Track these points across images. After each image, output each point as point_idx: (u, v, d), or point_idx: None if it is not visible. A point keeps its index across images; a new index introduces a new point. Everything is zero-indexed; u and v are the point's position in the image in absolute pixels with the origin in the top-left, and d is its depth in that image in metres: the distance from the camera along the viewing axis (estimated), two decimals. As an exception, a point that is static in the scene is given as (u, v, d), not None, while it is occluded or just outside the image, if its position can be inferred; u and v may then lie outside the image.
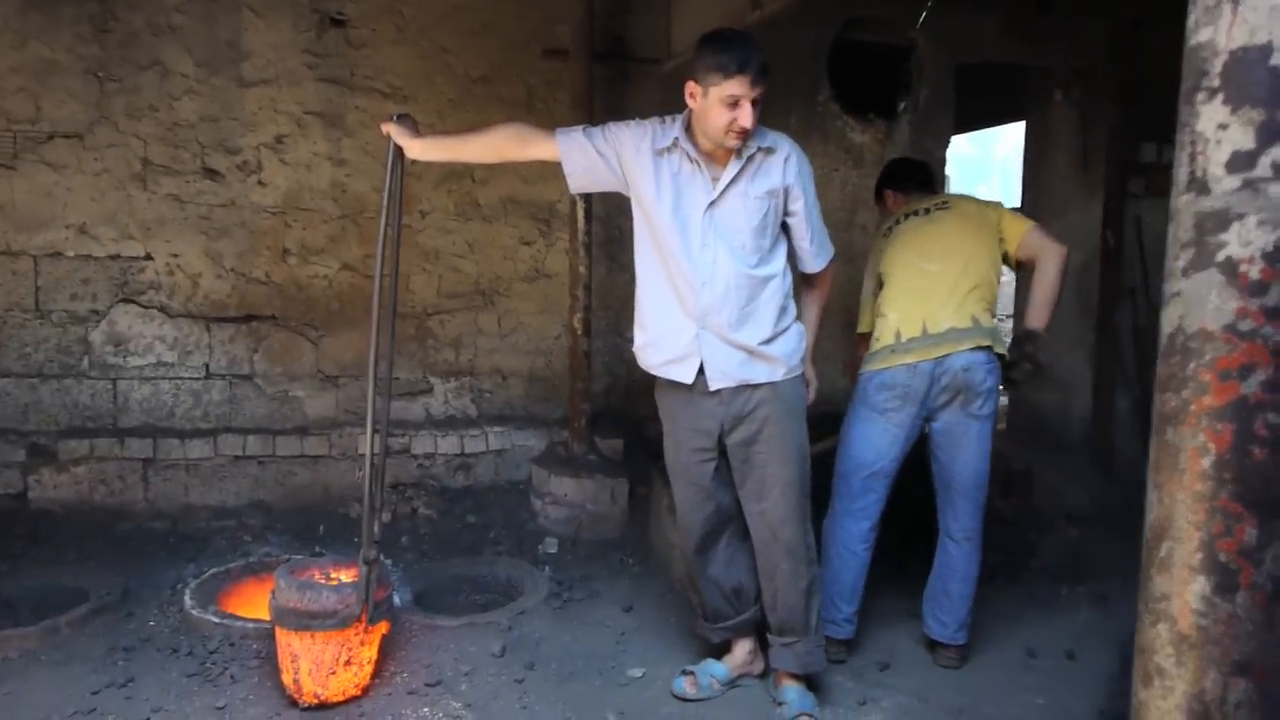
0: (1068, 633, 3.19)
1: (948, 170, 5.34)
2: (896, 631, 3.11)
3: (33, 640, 2.82)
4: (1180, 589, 1.15)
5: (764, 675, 2.76)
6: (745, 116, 2.29)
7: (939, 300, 2.78)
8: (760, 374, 2.47)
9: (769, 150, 2.44)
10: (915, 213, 3.00)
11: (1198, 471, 1.14)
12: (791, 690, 2.59)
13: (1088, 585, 3.61)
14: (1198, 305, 1.14)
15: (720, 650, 2.79)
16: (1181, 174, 1.14)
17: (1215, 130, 1.11)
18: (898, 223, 3.03)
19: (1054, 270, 2.80)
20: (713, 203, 2.41)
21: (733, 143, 2.34)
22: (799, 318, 2.59)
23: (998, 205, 3.02)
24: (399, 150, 2.52)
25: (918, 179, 3.26)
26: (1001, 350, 2.80)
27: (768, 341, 2.46)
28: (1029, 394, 5.38)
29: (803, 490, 2.54)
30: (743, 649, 2.76)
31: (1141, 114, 4.82)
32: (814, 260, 2.61)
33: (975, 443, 2.81)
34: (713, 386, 2.46)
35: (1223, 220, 1.11)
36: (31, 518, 3.76)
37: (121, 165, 3.95)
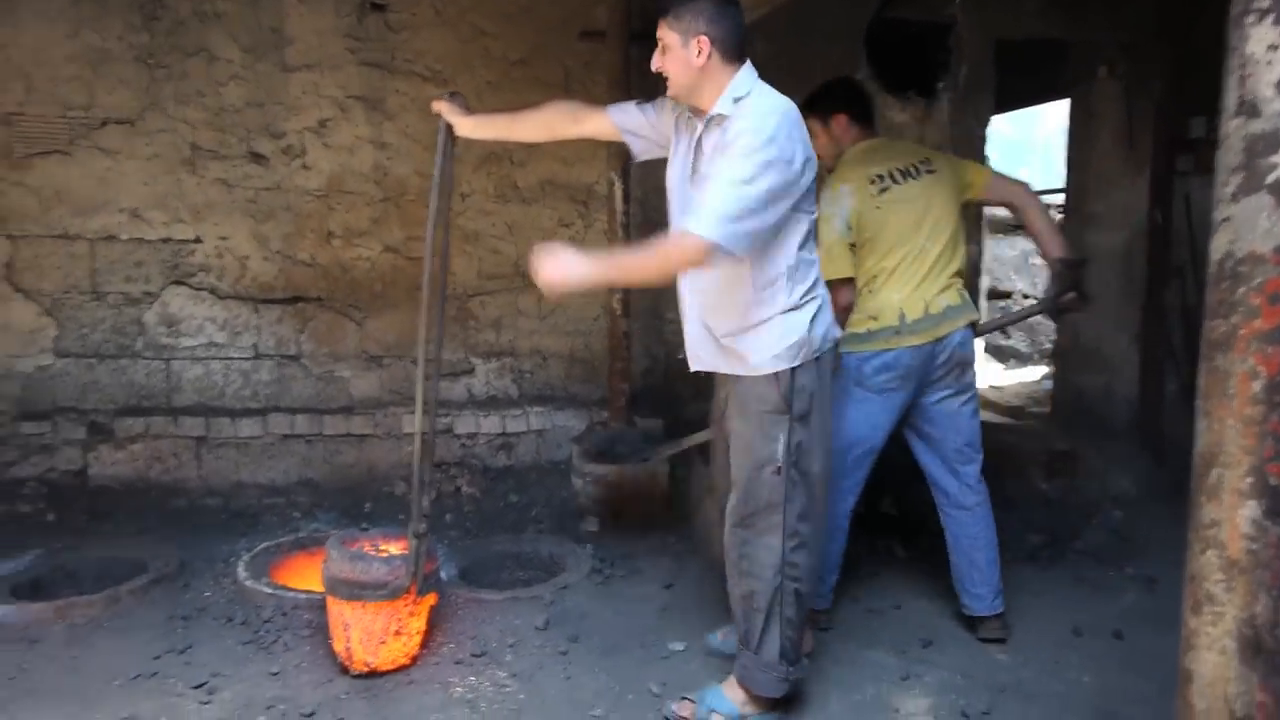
0: (1114, 614, 3.15)
1: (988, 151, 5.26)
2: (938, 607, 3.11)
3: (96, 608, 2.93)
4: (1230, 514, 1.15)
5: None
6: (654, 59, 2.20)
7: (935, 279, 2.80)
8: (726, 366, 2.34)
9: (721, 118, 2.15)
10: (906, 173, 2.84)
11: (1248, 396, 1.13)
12: (715, 691, 2.44)
13: (1135, 568, 3.57)
14: (1247, 229, 1.13)
15: None
16: (1231, 98, 1.14)
17: (1265, 52, 1.10)
18: (894, 180, 2.81)
19: (1035, 202, 2.93)
20: (688, 175, 2.28)
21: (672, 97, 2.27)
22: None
23: (957, 159, 3.08)
24: (449, 128, 2.55)
25: (870, 109, 3.02)
26: (977, 321, 2.89)
27: (734, 335, 2.27)
28: (1074, 376, 5.33)
29: (746, 497, 2.30)
30: None
31: (1190, 89, 4.71)
32: (675, 221, 2.30)
33: (969, 410, 2.88)
34: (691, 368, 2.46)
35: (1273, 142, 1.10)
36: (91, 493, 3.89)
37: (171, 150, 4.05)
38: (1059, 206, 7.61)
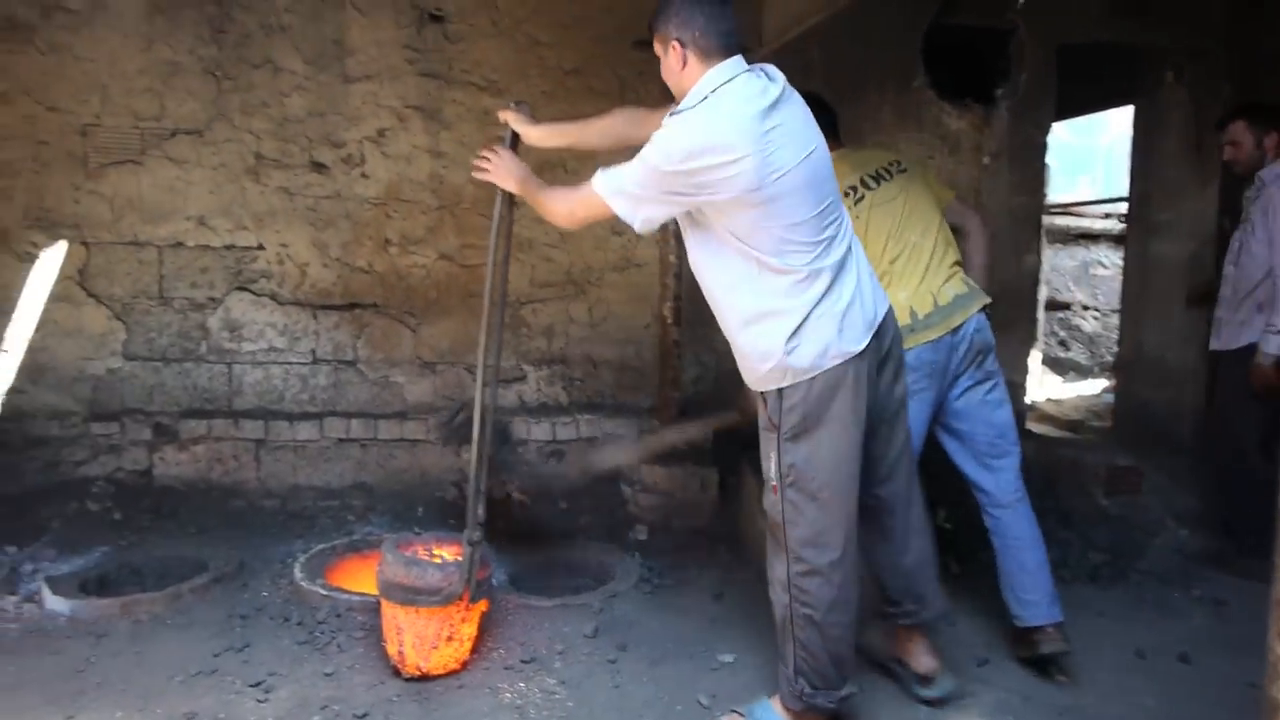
0: (1180, 636, 3.05)
1: (1049, 159, 5.15)
2: (995, 625, 3.03)
3: (159, 605, 3.02)
4: None
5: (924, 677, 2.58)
6: None
7: (936, 271, 2.78)
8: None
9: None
10: (878, 176, 2.85)
11: None
12: (764, 704, 2.40)
13: (1201, 589, 3.45)
14: None
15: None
16: None
17: None
18: (867, 188, 2.82)
19: (982, 239, 2.99)
20: None
21: None
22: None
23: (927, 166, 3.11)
24: (515, 136, 2.58)
25: (833, 121, 2.92)
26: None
27: (733, 346, 2.28)
28: (1137, 390, 5.18)
29: (772, 516, 2.26)
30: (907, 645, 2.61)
31: (1261, 94, 4.55)
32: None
33: (996, 398, 2.81)
34: None
35: None
36: (156, 493, 4.00)
37: (236, 160, 4.16)
38: (1121, 215, 7.42)
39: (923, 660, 2.53)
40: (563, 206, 2.35)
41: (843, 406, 2.14)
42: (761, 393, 2.23)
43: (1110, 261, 8.86)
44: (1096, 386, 7.33)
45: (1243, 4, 4.59)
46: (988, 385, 2.80)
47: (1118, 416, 5.49)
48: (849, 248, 2.22)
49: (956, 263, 2.84)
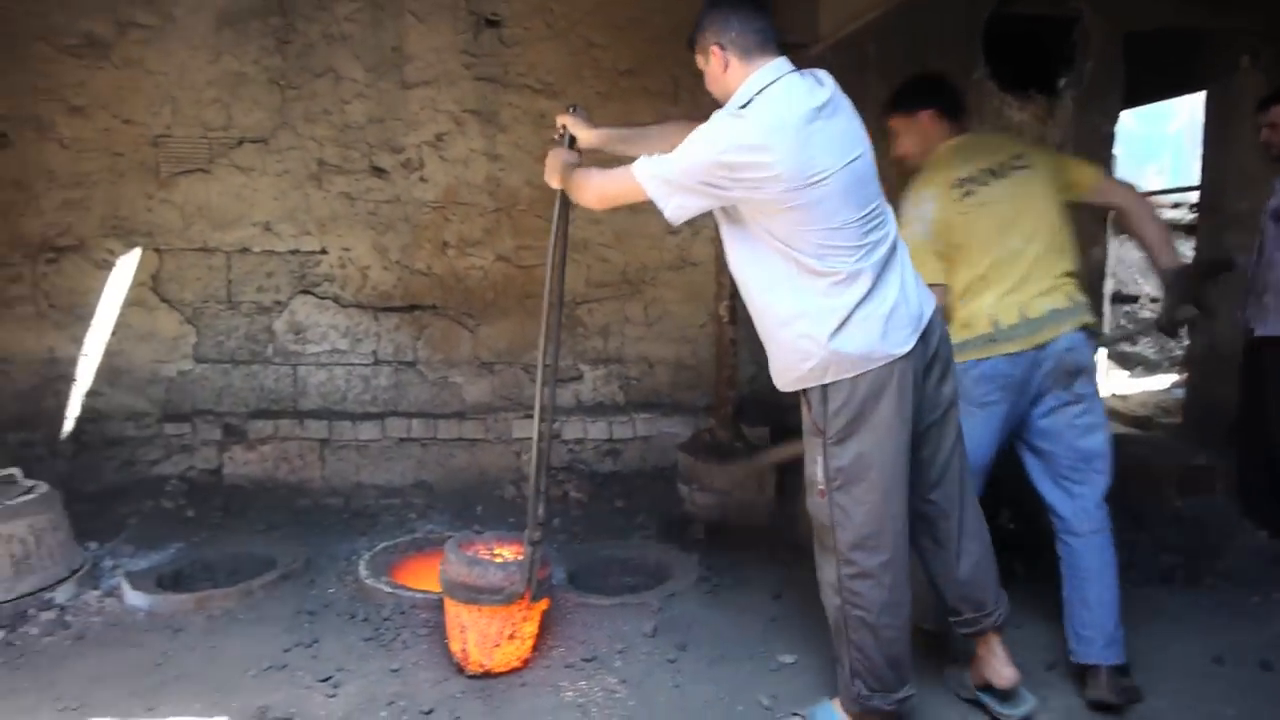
0: (1261, 642, 2.93)
1: (1116, 149, 5.01)
2: (1061, 629, 2.95)
3: (232, 600, 3.11)
4: None
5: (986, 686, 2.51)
6: None
7: (1034, 281, 2.59)
8: None
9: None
10: (994, 172, 2.66)
11: None
12: (825, 707, 2.40)
13: (1282, 593, 3.33)
14: None
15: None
16: None
17: None
18: (970, 182, 2.66)
19: (1144, 209, 2.73)
20: None
21: None
22: None
23: (1061, 153, 2.86)
24: (573, 139, 2.60)
25: (960, 103, 2.82)
26: (1096, 325, 2.67)
27: (767, 349, 2.29)
28: (1208, 385, 5.01)
29: (819, 519, 2.26)
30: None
31: (1344, 78, 4.37)
32: None
33: (1086, 423, 2.61)
34: None
35: None
36: (225, 491, 4.14)
37: (300, 166, 4.27)
38: (1191, 205, 7.18)
39: (1002, 673, 2.43)
40: (594, 185, 2.37)
41: (888, 408, 2.13)
42: (805, 395, 2.22)
43: (1179, 253, 8.57)
44: (1165, 381, 7.10)
45: (1323, -16, 4.40)
46: (1078, 408, 2.60)
47: (1188, 412, 5.32)
48: (893, 247, 2.19)
49: (1069, 274, 2.63)
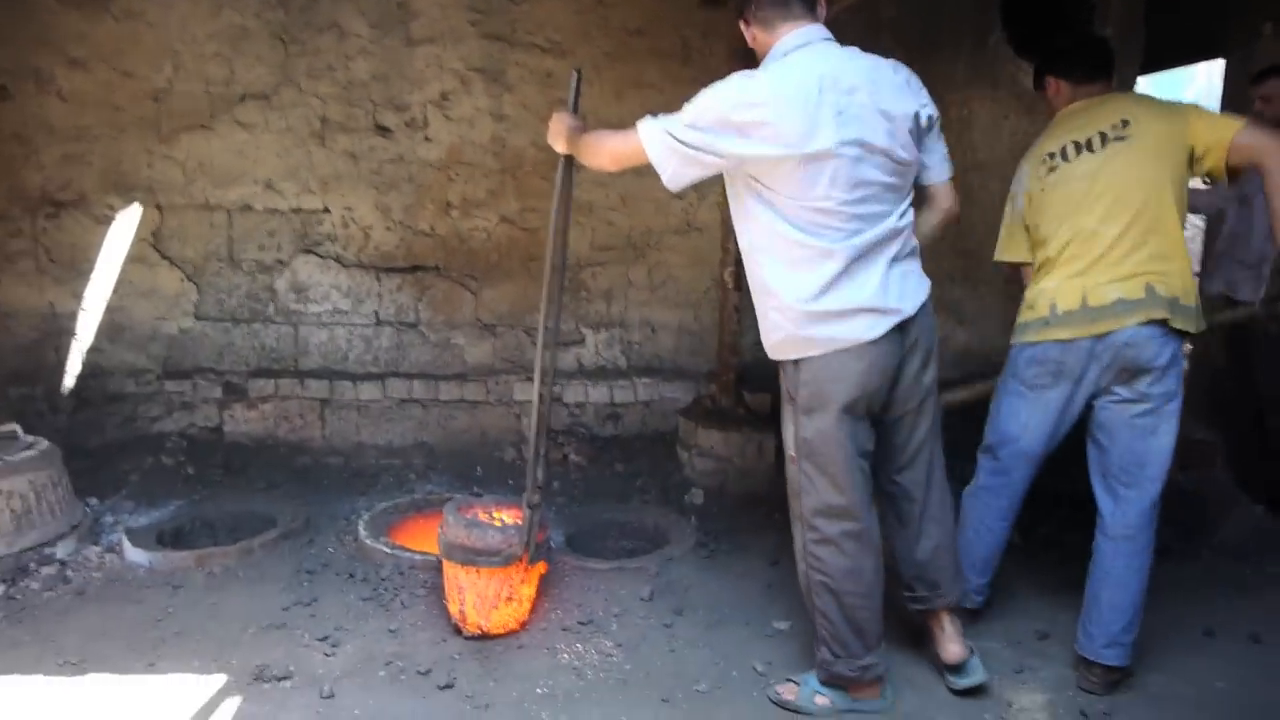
0: (1253, 615, 2.95)
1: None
2: (1056, 600, 2.97)
3: (232, 558, 3.14)
4: None
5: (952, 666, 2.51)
6: None
7: (1106, 266, 2.42)
8: None
9: None
10: (1087, 144, 2.50)
11: None
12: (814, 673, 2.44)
13: (1276, 567, 3.34)
14: None
15: None
16: None
17: None
18: (1060, 155, 2.55)
19: None
20: None
21: None
22: None
23: (1190, 110, 2.46)
24: (577, 99, 2.57)
25: (1091, 62, 2.64)
26: (1183, 322, 2.39)
27: (757, 313, 2.37)
28: (1210, 356, 4.98)
29: (790, 485, 2.36)
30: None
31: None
32: None
33: (1146, 425, 2.45)
34: None
35: None
36: (226, 449, 4.15)
37: (303, 124, 4.21)
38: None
39: (949, 649, 2.47)
40: (608, 147, 2.38)
41: (851, 389, 2.18)
42: (781, 362, 2.30)
43: (1193, 223, 8.47)
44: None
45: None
46: (1140, 407, 2.45)
47: (1190, 384, 5.29)
48: (884, 236, 2.18)
49: (1158, 261, 2.40)
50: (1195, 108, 2.50)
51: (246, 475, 3.98)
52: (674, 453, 4.28)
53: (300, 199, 4.26)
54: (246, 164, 4.20)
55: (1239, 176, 2.55)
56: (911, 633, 2.64)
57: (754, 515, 3.75)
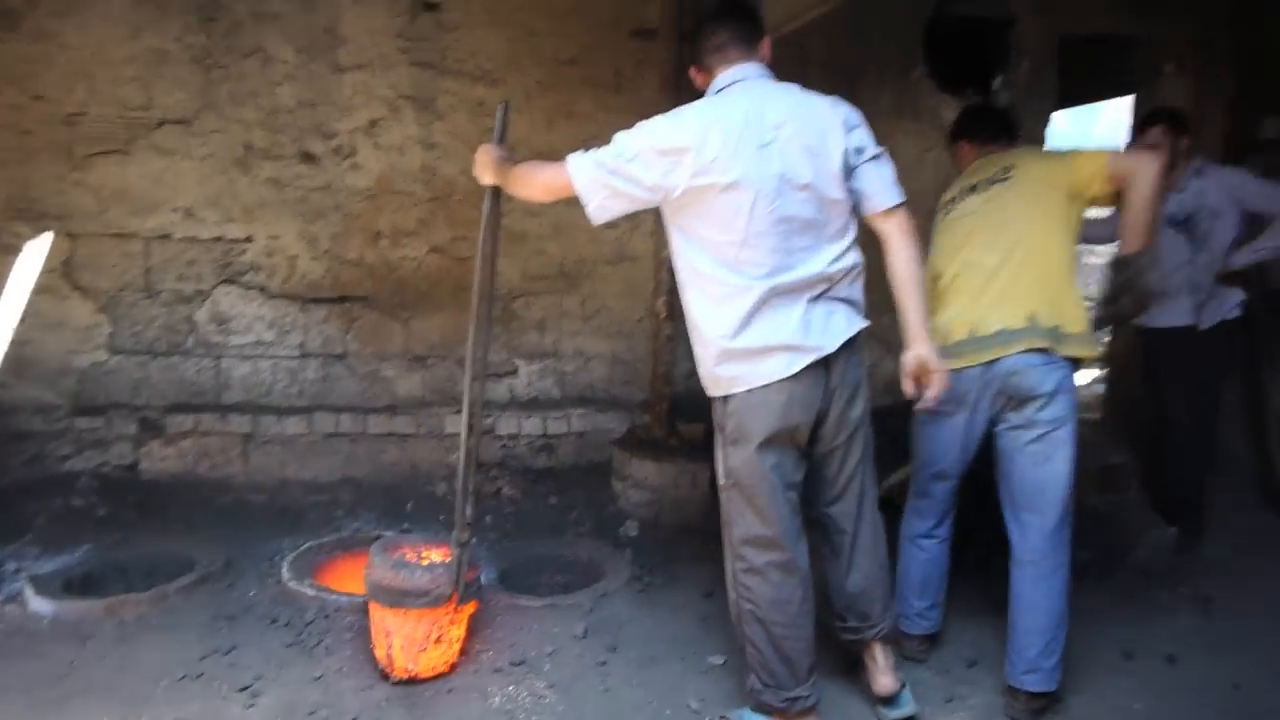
0: (1167, 636, 3.05)
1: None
2: (986, 627, 3.03)
3: (145, 606, 2.99)
4: None
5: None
6: None
7: (991, 298, 2.55)
8: None
9: None
10: (974, 188, 2.73)
11: None
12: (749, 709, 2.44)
13: (1188, 587, 3.46)
14: None
15: None
16: None
17: None
18: (953, 200, 2.78)
19: (1145, 185, 2.45)
20: None
21: None
22: None
23: (1072, 152, 2.65)
24: (504, 130, 2.58)
25: (991, 125, 2.93)
26: (1067, 349, 2.50)
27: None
28: (1128, 381, 5.17)
29: (722, 514, 2.37)
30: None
31: (1262, 88, 4.53)
32: None
33: (1039, 452, 2.53)
34: None
35: None
36: (142, 488, 3.98)
37: (225, 150, 4.10)
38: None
39: (880, 680, 2.49)
40: (540, 178, 2.39)
41: (774, 422, 2.20)
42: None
43: (1103, 251, 8.80)
44: (1088, 376, 7.31)
45: (1243, -4, 4.55)
46: (1032, 434, 2.53)
47: (1107, 409, 5.49)
48: (810, 279, 2.19)
49: (1035, 291, 2.53)
50: (1077, 149, 2.71)
51: (164, 516, 3.81)
52: (608, 484, 4.25)
53: (222, 227, 4.14)
54: (165, 191, 4.07)
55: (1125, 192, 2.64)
56: (848, 663, 2.66)
57: (689, 546, 3.74)
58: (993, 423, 2.63)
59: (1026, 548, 2.57)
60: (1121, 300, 2.63)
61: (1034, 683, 2.52)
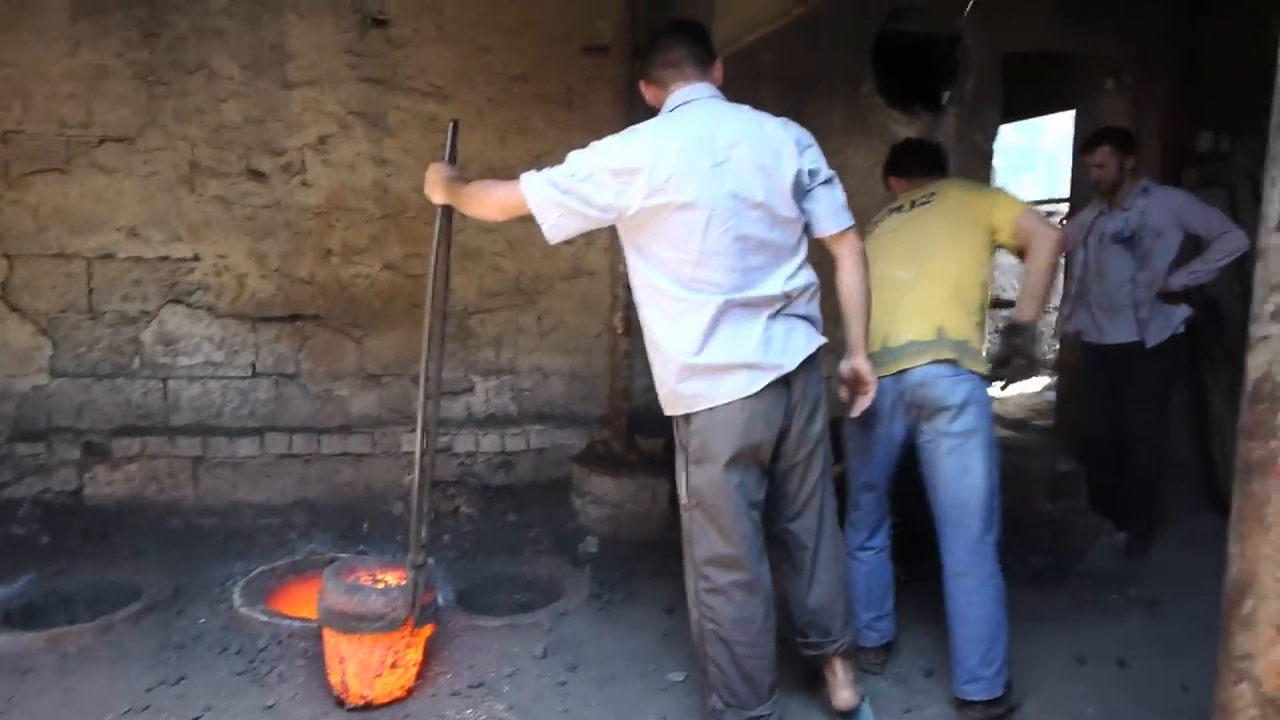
0: (1118, 640, 3.12)
1: (995, 162, 5.24)
2: (941, 637, 3.03)
3: (89, 637, 2.89)
4: (1266, 649, 1.09)
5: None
6: None
7: (904, 311, 2.63)
8: None
9: None
10: (899, 208, 2.84)
11: None
12: None
13: (1138, 591, 3.54)
14: None
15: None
16: (1271, 211, 1.07)
17: None
18: (878, 221, 2.89)
19: (1044, 259, 2.57)
20: None
21: None
22: None
23: (992, 192, 2.81)
24: (454, 147, 2.57)
25: (921, 162, 3.00)
26: (973, 364, 2.59)
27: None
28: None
29: (684, 533, 2.35)
30: None
31: (1197, 103, 4.68)
32: None
33: (955, 463, 2.57)
34: None
35: None
36: (86, 514, 3.86)
37: (170, 168, 4.02)
38: (1064, 217, 7.58)
39: (840, 695, 2.51)
40: (494, 197, 2.37)
41: (736, 441, 2.20)
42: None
43: (1039, 313, 8.97)
44: (1039, 385, 7.46)
45: (1182, 12, 4.70)
46: (947, 445, 2.58)
47: (1058, 417, 5.60)
48: (767, 297, 2.20)
49: (948, 307, 2.62)
50: (1000, 190, 2.87)
51: (109, 542, 3.71)
52: (568, 500, 4.23)
53: (168, 246, 4.05)
54: (107, 210, 3.97)
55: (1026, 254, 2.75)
56: (808, 677, 2.66)
57: (648, 562, 3.74)
58: (912, 434, 2.69)
59: (955, 559, 2.62)
60: (1013, 362, 2.76)
61: (977, 691, 2.56)
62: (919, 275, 2.67)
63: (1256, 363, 1.11)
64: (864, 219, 2.52)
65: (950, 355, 2.58)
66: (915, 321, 2.62)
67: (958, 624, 2.62)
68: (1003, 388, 3.08)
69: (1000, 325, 2.91)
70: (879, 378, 2.54)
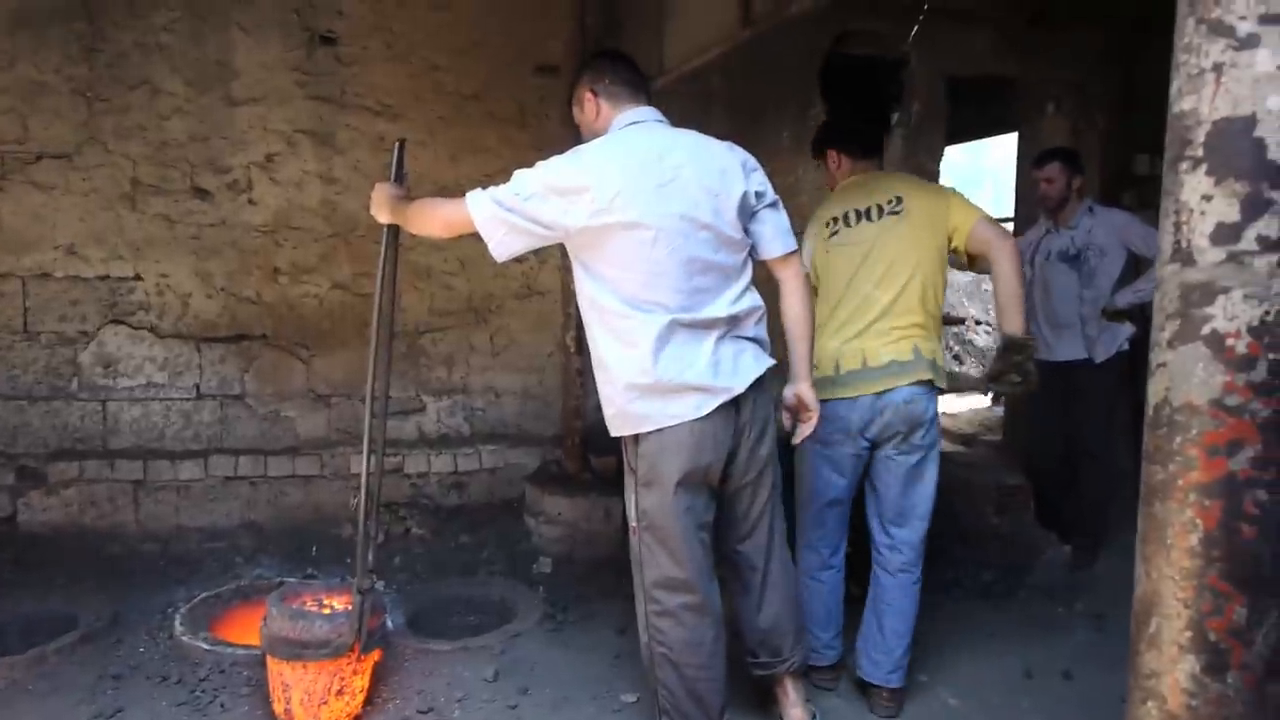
0: (1065, 653, 3.16)
1: (942, 181, 5.35)
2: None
3: (19, 670, 2.79)
4: (1169, 667, 1.12)
5: None
6: None
7: (882, 328, 2.65)
8: None
9: None
10: (865, 214, 2.73)
11: (1185, 548, 1.11)
12: None
13: (1083, 604, 3.60)
14: (1183, 378, 1.11)
15: None
16: (1166, 243, 1.11)
17: (1199, 201, 1.08)
18: (841, 221, 2.77)
19: (1010, 267, 2.60)
20: None
21: None
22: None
23: (950, 193, 2.79)
24: (400, 166, 2.55)
25: (870, 142, 2.94)
26: (940, 381, 2.66)
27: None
28: (1024, 404, 5.39)
29: (632, 556, 2.33)
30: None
31: (1135, 126, 4.83)
32: None
33: (916, 472, 2.69)
34: None
35: (1208, 293, 1.07)
36: (20, 541, 3.74)
37: (110, 185, 3.93)
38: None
39: (791, 714, 2.52)
40: (441, 215, 2.36)
41: (686, 463, 2.18)
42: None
43: (1024, 320, 9.16)
44: (988, 400, 7.60)
45: (1117, 39, 4.85)
46: (913, 458, 2.68)
47: (1007, 432, 5.71)
48: (715, 319, 2.21)
49: (920, 325, 2.66)
50: (954, 192, 2.83)
51: (44, 570, 3.58)
52: (521, 521, 4.20)
53: (108, 265, 3.95)
54: (44, 228, 3.87)
55: (977, 262, 2.80)
56: (759, 697, 2.66)
57: (602, 581, 3.72)
58: (873, 447, 2.72)
59: (899, 559, 2.73)
60: (1008, 377, 2.74)
61: (898, 680, 2.70)
62: (899, 295, 2.65)
63: (1156, 389, 1.15)
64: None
65: (927, 375, 2.64)
66: (894, 341, 2.64)
67: (891, 617, 2.71)
68: (993, 401, 3.14)
69: (997, 342, 2.91)
70: (857, 396, 2.62)
